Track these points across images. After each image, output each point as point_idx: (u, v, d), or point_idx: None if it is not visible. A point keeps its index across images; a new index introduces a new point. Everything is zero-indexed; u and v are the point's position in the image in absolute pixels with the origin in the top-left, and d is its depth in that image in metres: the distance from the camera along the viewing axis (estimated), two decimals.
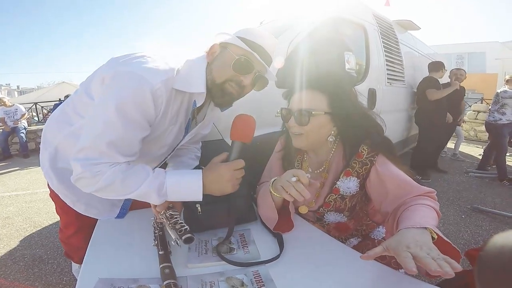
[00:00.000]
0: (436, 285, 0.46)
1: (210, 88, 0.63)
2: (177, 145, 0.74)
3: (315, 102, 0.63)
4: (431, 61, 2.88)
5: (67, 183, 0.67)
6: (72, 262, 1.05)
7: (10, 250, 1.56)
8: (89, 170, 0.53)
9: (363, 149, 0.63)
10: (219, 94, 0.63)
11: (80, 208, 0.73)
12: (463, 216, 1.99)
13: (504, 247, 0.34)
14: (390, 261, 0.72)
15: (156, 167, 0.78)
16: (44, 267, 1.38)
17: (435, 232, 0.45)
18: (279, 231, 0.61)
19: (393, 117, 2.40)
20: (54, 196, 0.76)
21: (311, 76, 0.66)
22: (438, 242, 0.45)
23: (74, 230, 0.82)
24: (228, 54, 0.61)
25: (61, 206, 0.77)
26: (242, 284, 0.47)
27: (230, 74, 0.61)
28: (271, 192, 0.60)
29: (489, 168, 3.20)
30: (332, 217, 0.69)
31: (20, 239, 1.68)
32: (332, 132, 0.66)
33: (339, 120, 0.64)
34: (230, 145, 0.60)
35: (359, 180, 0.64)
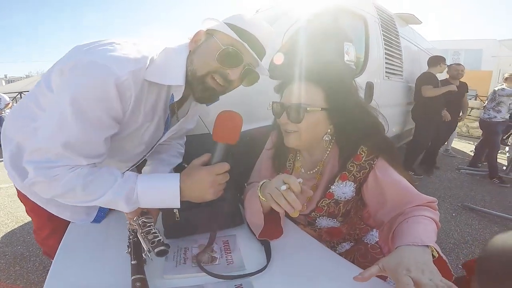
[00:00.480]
0: None
1: (190, 81, 0.55)
2: (156, 143, 0.67)
3: (311, 96, 0.57)
4: (430, 56, 2.83)
5: None
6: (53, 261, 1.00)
7: None
8: (43, 174, 0.46)
9: (362, 151, 0.58)
10: (200, 88, 0.55)
11: (52, 209, 0.67)
12: (453, 214, 2.01)
13: (504, 248, 0.34)
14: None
15: (133, 165, 0.71)
16: (26, 265, 1.33)
17: (436, 250, 0.41)
18: (266, 238, 0.57)
19: (389, 112, 2.37)
20: (22, 197, 0.68)
21: (307, 67, 0.59)
22: (436, 260, 0.41)
23: (48, 232, 0.75)
24: (214, 42, 0.53)
25: (30, 208, 0.70)
26: None
27: (214, 66, 0.53)
28: (259, 196, 0.55)
29: (480, 165, 3.25)
30: (325, 222, 0.65)
31: (1, 235, 1.62)
32: (329, 130, 0.60)
33: (336, 117, 0.58)
34: (214, 146, 0.53)
35: (355, 184, 0.59)
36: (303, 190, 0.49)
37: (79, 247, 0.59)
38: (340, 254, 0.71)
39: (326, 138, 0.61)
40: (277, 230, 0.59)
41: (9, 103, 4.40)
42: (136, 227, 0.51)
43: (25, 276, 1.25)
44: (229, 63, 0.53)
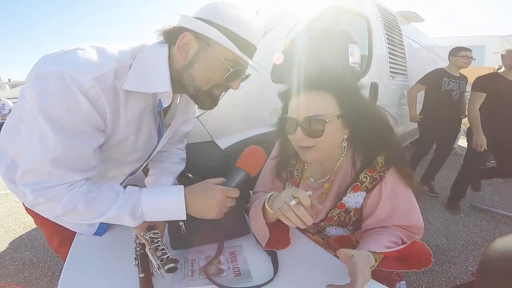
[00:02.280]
0: None
1: (195, 95, 0.55)
2: (152, 152, 0.66)
3: (325, 106, 0.54)
4: (433, 53, 2.72)
5: None
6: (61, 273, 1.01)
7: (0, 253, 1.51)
8: (42, 195, 0.45)
9: (376, 163, 0.56)
10: (208, 100, 0.56)
11: (56, 219, 0.66)
12: (462, 215, 1.97)
13: (505, 252, 0.34)
14: (391, 273, 0.68)
15: (135, 171, 0.70)
16: (35, 271, 1.34)
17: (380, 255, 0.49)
18: (273, 249, 0.56)
19: (394, 111, 2.35)
20: (29, 210, 0.69)
21: (315, 75, 0.56)
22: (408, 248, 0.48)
23: (58, 242, 0.76)
24: (215, 57, 0.50)
25: (38, 219, 0.71)
26: None
27: (218, 80, 0.53)
28: (268, 209, 0.54)
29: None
30: (334, 231, 0.64)
31: (10, 241, 1.63)
32: (345, 136, 0.58)
33: (351, 120, 0.56)
34: (234, 171, 0.54)
35: (366, 194, 0.59)
36: (313, 205, 0.48)
37: (85, 259, 0.59)
38: None
39: (344, 144, 0.59)
40: (284, 240, 0.58)
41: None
42: (144, 242, 0.51)
43: (34, 282, 1.27)
44: (234, 79, 0.54)
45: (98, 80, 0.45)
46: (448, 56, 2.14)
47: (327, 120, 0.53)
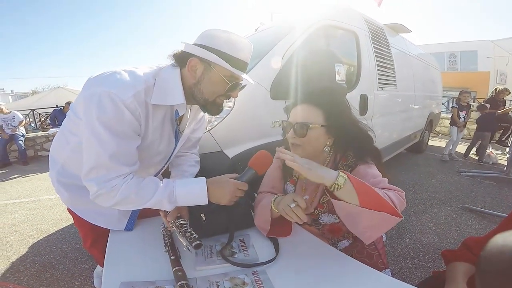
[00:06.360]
0: (414, 285, 0.53)
1: (204, 105, 0.69)
2: (172, 153, 0.80)
3: (313, 116, 0.69)
4: (422, 61, 2.63)
5: (75, 194, 0.75)
6: (98, 265, 1.14)
7: (21, 257, 1.62)
8: (104, 186, 0.59)
9: (349, 154, 0.71)
10: (214, 108, 0.70)
11: (89, 217, 0.80)
12: (454, 216, 2.05)
13: (505, 246, 0.34)
14: (377, 261, 0.80)
15: (158, 173, 0.84)
16: (55, 273, 1.45)
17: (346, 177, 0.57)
18: (275, 236, 0.69)
19: (384, 121, 2.44)
20: (70, 210, 0.83)
21: (308, 92, 0.73)
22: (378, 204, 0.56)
23: (91, 242, 0.89)
24: (217, 75, 0.64)
25: (77, 219, 0.84)
26: (243, 283, 0.54)
27: (221, 92, 0.67)
28: (273, 209, 0.67)
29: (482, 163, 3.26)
30: (326, 219, 0.76)
31: (29, 246, 1.74)
32: (328, 143, 0.73)
33: (334, 132, 0.71)
34: (246, 169, 0.68)
35: None
36: (307, 207, 0.63)
37: (123, 249, 0.70)
38: (340, 250, 0.82)
39: (326, 149, 0.73)
40: (286, 229, 0.71)
41: (22, 121, 4.45)
42: (175, 228, 0.64)
43: (55, 283, 1.37)
44: (233, 90, 0.68)
45: (135, 96, 0.60)
46: None
47: (310, 126, 0.68)
